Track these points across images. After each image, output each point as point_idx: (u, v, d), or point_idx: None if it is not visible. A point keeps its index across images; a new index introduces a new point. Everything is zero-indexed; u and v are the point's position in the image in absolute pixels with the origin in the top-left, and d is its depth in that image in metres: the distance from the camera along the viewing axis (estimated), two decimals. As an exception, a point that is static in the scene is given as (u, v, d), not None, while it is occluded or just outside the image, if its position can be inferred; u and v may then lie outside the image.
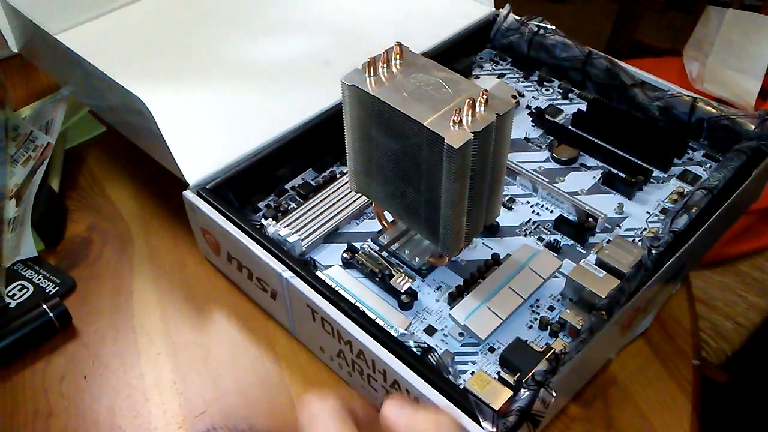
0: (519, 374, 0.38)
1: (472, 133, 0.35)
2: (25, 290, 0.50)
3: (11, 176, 0.56)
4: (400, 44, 0.39)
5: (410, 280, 0.42)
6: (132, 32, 0.60)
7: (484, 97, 0.35)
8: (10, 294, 0.49)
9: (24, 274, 0.51)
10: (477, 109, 0.35)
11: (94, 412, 0.43)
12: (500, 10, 0.61)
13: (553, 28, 0.57)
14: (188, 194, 0.45)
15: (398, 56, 0.39)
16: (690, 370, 0.44)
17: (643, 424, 0.42)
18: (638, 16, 1.11)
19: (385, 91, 0.37)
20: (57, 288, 0.50)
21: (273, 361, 0.45)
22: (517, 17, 0.59)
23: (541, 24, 0.58)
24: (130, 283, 0.50)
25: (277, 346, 0.46)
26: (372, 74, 0.38)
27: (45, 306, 0.46)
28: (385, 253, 0.45)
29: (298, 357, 0.45)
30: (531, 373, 0.36)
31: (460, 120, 0.35)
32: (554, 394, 0.34)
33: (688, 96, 0.51)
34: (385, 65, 0.38)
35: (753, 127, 0.49)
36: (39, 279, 0.50)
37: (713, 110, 0.50)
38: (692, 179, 0.50)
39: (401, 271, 0.43)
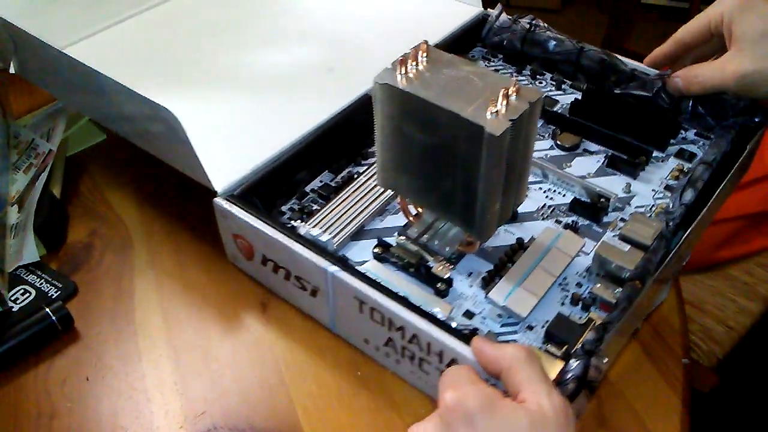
0: (566, 346, 0.40)
1: (509, 120, 0.37)
2: (28, 294, 0.50)
3: (13, 183, 0.57)
4: (426, 43, 0.41)
5: (451, 267, 0.44)
6: (136, 45, 0.60)
7: (516, 86, 0.38)
8: (12, 298, 0.50)
9: (26, 278, 0.51)
10: (510, 99, 0.38)
11: (97, 413, 0.43)
12: (490, 10, 0.63)
13: (545, 25, 0.60)
14: (220, 201, 0.46)
15: (425, 54, 0.41)
16: (680, 369, 0.46)
17: (634, 422, 0.43)
18: (629, 26, 1.14)
19: (418, 87, 0.39)
20: (59, 292, 0.50)
21: (272, 361, 0.46)
22: (509, 16, 0.62)
23: (532, 22, 0.60)
24: (131, 286, 0.51)
25: (276, 348, 0.47)
26: (403, 72, 0.40)
27: (47, 309, 0.47)
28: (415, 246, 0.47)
29: (297, 359, 0.46)
30: (578, 344, 0.39)
31: (498, 109, 0.37)
32: (605, 361, 0.37)
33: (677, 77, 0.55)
34: (414, 63, 0.40)
35: (739, 105, 0.53)
36: (41, 283, 0.51)
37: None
38: (689, 156, 0.54)
39: (440, 259, 0.44)
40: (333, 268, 0.42)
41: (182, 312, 0.49)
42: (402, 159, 0.42)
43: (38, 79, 0.58)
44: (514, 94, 0.38)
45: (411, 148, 0.41)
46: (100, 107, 0.52)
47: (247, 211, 0.45)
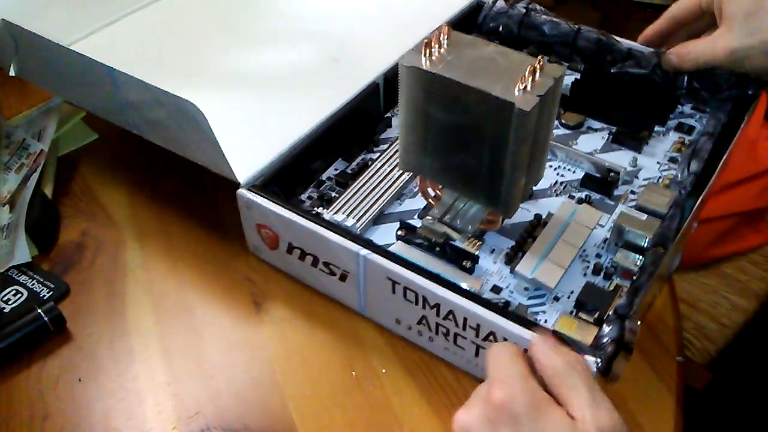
0: (598, 313, 0.41)
1: (537, 96, 0.38)
2: (20, 295, 0.50)
3: (4, 183, 0.57)
4: (448, 25, 0.42)
5: (479, 243, 0.45)
6: (140, 42, 0.60)
7: (540, 63, 0.39)
8: (4, 299, 0.49)
9: (18, 279, 0.51)
10: (535, 75, 0.39)
11: (89, 414, 0.43)
12: (485, -4, 0.65)
13: (542, 8, 0.62)
14: (244, 192, 0.46)
15: (447, 36, 0.42)
16: (674, 367, 0.46)
17: (629, 420, 0.42)
18: (623, 24, 1.15)
19: (444, 68, 0.40)
20: (51, 293, 0.50)
21: (266, 361, 0.46)
22: (505, 1, 0.63)
23: (529, 6, 0.62)
24: (124, 287, 0.50)
25: (270, 348, 0.46)
26: (428, 55, 0.41)
27: (39, 310, 0.47)
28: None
29: (290, 359, 0.46)
30: (610, 310, 0.40)
31: (525, 86, 0.38)
32: (639, 323, 0.38)
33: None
34: (437, 46, 0.41)
35: (732, 79, 0.55)
36: (33, 284, 0.51)
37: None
38: (688, 129, 0.56)
39: (467, 236, 0.45)
40: (364, 251, 0.43)
41: (175, 312, 0.49)
42: (426, 141, 0.43)
43: (40, 79, 0.57)
44: (539, 70, 0.39)
45: (436, 129, 0.42)
46: (111, 104, 0.51)
47: (271, 200, 0.46)
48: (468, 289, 0.42)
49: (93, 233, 0.54)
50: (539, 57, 0.39)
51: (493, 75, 0.39)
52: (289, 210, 0.45)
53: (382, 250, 0.43)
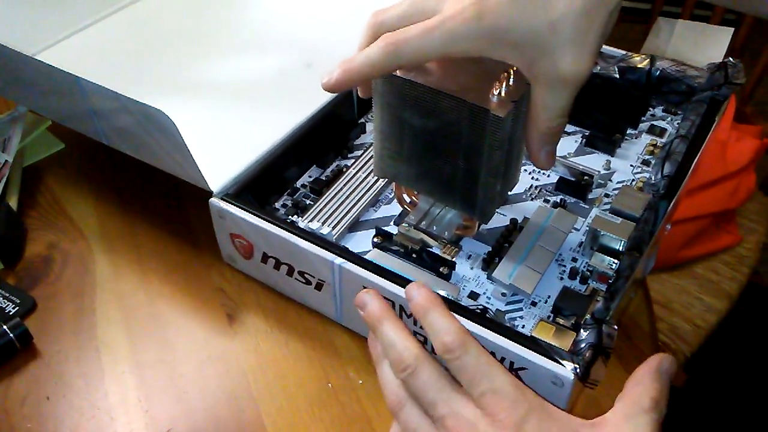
0: (575, 318, 0.41)
1: (512, 101, 0.38)
2: None
3: None
4: (421, 30, 0.41)
5: (456, 249, 0.45)
6: (106, 51, 0.58)
7: (514, 68, 0.39)
8: None
9: None
10: (510, 80, 0.39)
11: None
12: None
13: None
14: (216, 201, 0.46)
15: (420, 42, 0.41)
16: None
17: None
18: None
19: (418, 74, 0.39)
20: (17, 308, 0.48)
21: (240, 375, 0.45)
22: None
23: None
24: (93, 301, 0.49)
25: (244, 361, 0.45)
26: (401, 60, 0.40)
27: (5, 326, 0.45)
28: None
29: (265, 372, 0.45)
30: (588, 314, 0.40)
31: (500, 91, 0.38)
32: (616, 328, 0.38)
33: (645, 55, 0.57)
34: (410, 51, 0.41)
35: (703, 80, 0.55)
36: None
37: (670, 62, 0.56)
38: (660, 132, 0.56)
39: (446, 243, 0.45)
40: (339, 260, 0.42)
41: (146, 326, 0.47)
42: (401, 147, 0.43)
43: (3, 88, 0.56)
44: (513, 75, 0.39)
45: (411, 135, 0.42)
46: (77, 113, 0.50)
47: (245, 209, 0.45)
48: (446, 296, 0.41)
49: (60, 246, 0.53)
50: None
51: (466, 80, 0.39)
52: (263, 219, 0.44)
53: (358, 258, 0.42)
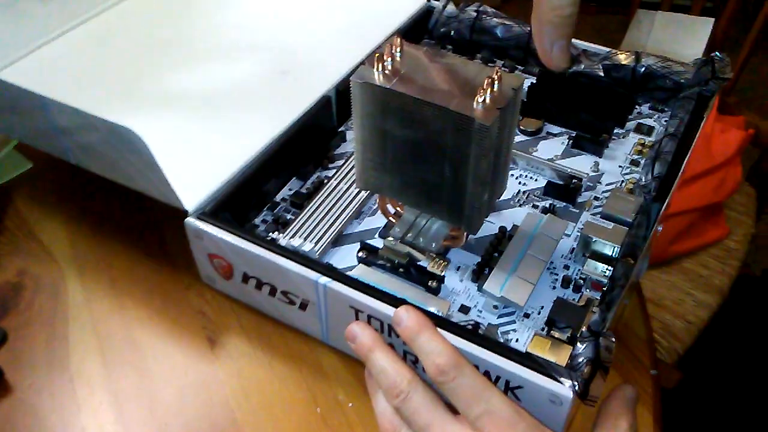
0: (571, 330, 0.40)
1: (497, 108, 0.36)
2: None
3: None
4: (400, 36, 0.39)
5: (445, 263, 0.43)
6: (71, 65, 0.56)
7: (498, 73, 0.37)
8: None
9: None
10: (495, 87, 0.37)
11: None
12: (434, 1, 0.63)
13: (493, 10, 0.60)
14: (191, 221, 0.44)
15: (399, 48, 0.39)
16: (649, 381, 0.45)
17: None
18: None
19: (399, 83, 0.38)
20: None
21: (223, 402, 0.43)
22: (455, 6, 0.62)
23: (479, 9, 0.60)
24: (66, 329, 0.47)
25: (227, 387, 0.44)
26: (380, 69, 0.38)
27: None
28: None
29: (249, 398, 0.43)
30: (584, 326, 0.39)
31: (484, 98, 0.36)
32: (614, 340, 0.37)
33: (630, 52, 0.56)
34: (389, 59, 0.39)
35: (689, 76, 0.54)
36: None
37: (656, 58, 0.55)
38: (647, 130, 0.55)
39: (432, 256, 0.43)
40: (324, 279, 0.40)
41: (122, 354, 0.45)
42: (384, 158, 0.41)
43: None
44: (497, 81, 0.37)
45: (393, 145, 0.40)
46: (44, 133, 0.48)
47: (223, 228, 0.43)
48: (435, 312, 0.40)
49: (31, 272, 0.50)
50: (496, 68, 0.37)
51: (450, 88, 0.38)
52: (242, 238, 0.42)
53: (343, 277, 0.41)
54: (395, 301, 0.39)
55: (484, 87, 0.37)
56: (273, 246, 0.42)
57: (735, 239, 0.91)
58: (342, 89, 0.54)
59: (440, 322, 0.38)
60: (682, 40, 0.88)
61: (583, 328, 0.39)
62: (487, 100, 0.36)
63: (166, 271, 0.50)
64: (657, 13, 0.90)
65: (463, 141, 0.37)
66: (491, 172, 0.39)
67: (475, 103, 0.36)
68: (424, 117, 0.37)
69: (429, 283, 0.43)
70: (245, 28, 0.62)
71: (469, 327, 0.40)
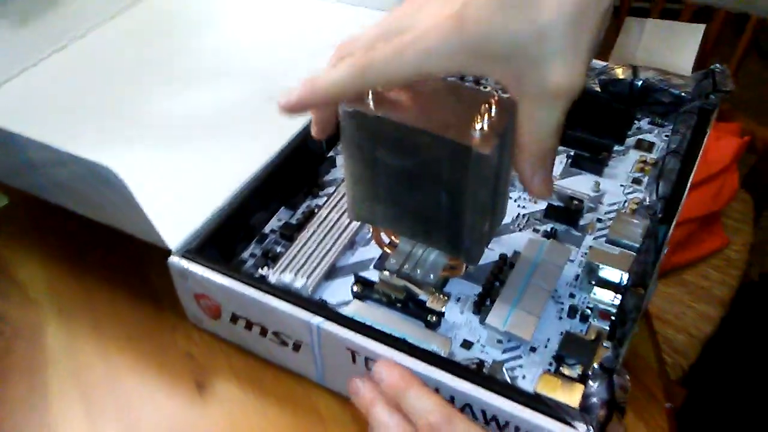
0: (582, 367, 0.37)
1: (496, 135, 0.34)
2: None
3: None
4: (390, 61, 0.37)
5: (445, 298, 0.41)
6: (43, 97, 0.53)
7: (495, 97, 0.35)
8: None
9: None
10: (492, 112, 0.35)
11: None
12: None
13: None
14: (175, 260, 0.41)
15: (389, 73, 0.37)
16: (664, 416, 0.42)
17: None
18: None
19: (390, 110, 0.35)
20: None
21: None
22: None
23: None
24: (46, 377, 0.44)
25: None
26: (371, 96, 0.36)
27: None
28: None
29: None
30: (596, 362, 0.36)
31: (482, 125, 0.34)
32: (629, 378, 0.34)
33: (627, 66, 0.54)
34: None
35: (689, 89, 0.52)
36: None
37: (654, 71, 0.53)
38: (648, 146, 0.53)
39: (431, 290, 0.41)
40: (317, 320, 0.38)
41: (106, 402, 0.43)
42: (376, 188, 0.39)
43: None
44: (495, 105, 0.35)
45: (386, 175, 0.38)
46: (18, 170, 0.45)
47: (208, 267, 0.41)
48: (437, 352, 0.38)
49: (8, 316, 0.47)
50: (492, 91, 0.35)
51: (444, 114, 0.35)
52: (229, 277, 0.40)
53: (337, 316, 0.38)
54: (394, 342, 0.37)
55: (481, 112, 0.34)
56: (262, 284, 0.40)
57: (734, 248, 0.89)
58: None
59: (442, 363, 0.36)
60: (674, 47, 0.86)
61: (595, 364, 0.36)
62: (485, 127, 0.34)
63: (151, 311, 0.47)
64: (647, 20, 0.88)
65: (461, 170, 0.35)
66: (491, 201, 0.37)
67: (472, 131, 0.34)
68: (419, 146, 0.35)
69: (428, 318, 0.41)
70: (228, 53, 0.60)
71: (473, 366, 0.38)
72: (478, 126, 0.34)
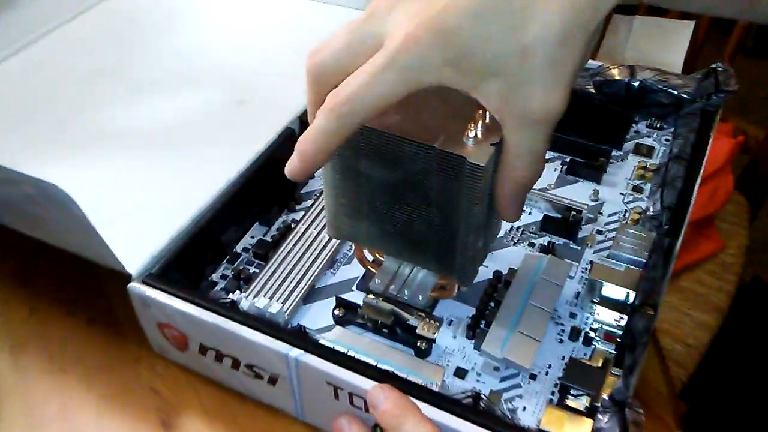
0: (589, 398, 0.34)
1: (491, 144, 0.31)
2: None
3: None
4: (371, 62, 0.34)
5: (437, 324, 0.37)
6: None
7: (489, 102, 0.31)
8: None
9: None
10: (486, 118, 0.31)
11: None
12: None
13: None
14: (137, 287, 0.37)
15: (371, 76, 0.34)
16: None
17: None
18: None
19: (374, 119, 0.32)
20: None
21: None
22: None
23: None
24: None
25: None
26: (350, 101, 0.32)
27: None
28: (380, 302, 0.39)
29: None
30: (604, 393, 0.33)
31: (475, 133, 0.31)
32: (641, 411, 0.31)
33: (623, 66, 0.51)
34: (360, 89, 0.33)
35: (689, 89, 0.49)
36: None
37: (652, 71, 0.50)
38: (647, 151, 0.50)
39: (421, 315, 0.37)
40: (295, 352, 0.34)
41: None
42: (359, 203, 0.35)
43: None
44: (488, 111, 0.31)
45: (370, 189, 0.34)
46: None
47: (173, 294, 0.37)
48: (429, 385, 0.34)
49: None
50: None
51: (433, 121, 0.32)
52: (195, 304, 0.36)
53: (317, 347, 0.34)
54: (380, 375, 0.33)
55: (475, 119, 0.31)
56: (233, 312, 0.36)
57: (730, 252, 0.86)
58: (306, 120, 0.48)
59: (435, 398, 0.32)
60: (663, 45, 0.83)
61: (604, 395, 0.33)
62: (479, 135, 0.31)
63: (112, 342, 0.43)
64: (635, 18, 0.85)
65: (453, 184, 0.31)
66: (486, 217, 0.33)
67: (465, 139, 0.31)
68: (405, 157, 0.32)
69: (418, 344, 0.37)
70: (194, 56, 0.56)
71: (469, 399, 0.34)
72: (471, 134, 0.31)
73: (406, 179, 0.33)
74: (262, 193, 0.45)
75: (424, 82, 0.29)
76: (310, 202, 0.46)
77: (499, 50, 0.28)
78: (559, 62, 0.28)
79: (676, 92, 0.49)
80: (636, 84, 0.50)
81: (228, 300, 0.39)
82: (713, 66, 0.49)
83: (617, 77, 0.50)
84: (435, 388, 0.35)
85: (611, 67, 0.51)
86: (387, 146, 0.32)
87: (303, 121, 0.48)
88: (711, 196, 0.83)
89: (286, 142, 0.47)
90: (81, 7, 0.61)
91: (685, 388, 0.73)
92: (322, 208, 0.44)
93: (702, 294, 0.80)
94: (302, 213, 0.45)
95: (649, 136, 0.51)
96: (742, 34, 0.94)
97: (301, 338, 0.35)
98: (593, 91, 0.51)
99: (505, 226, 0.45)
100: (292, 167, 0.32)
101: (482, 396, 0.35)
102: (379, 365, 0.35)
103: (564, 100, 0.29)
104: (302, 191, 0.47)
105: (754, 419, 0.80)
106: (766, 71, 1.63)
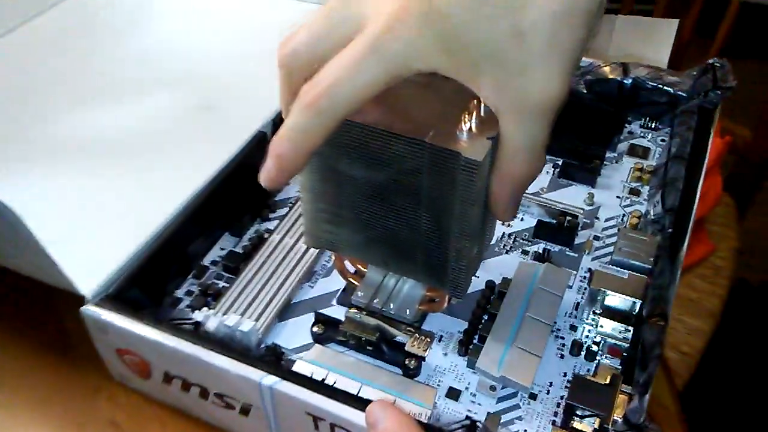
0: (599, 419, 0.31)
1: (487, 138, 0.27)
2: None
3: None
4: (351, 51, 0.30)
5: (428, 340, 0.33)
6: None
7: (483, 93, 0.28)
8: None
9: None
10: (482, 109, 0.28)
11: None
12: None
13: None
14: (90, 310, 0.33)
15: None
16: None
17: None
18: None
19: (356, 112, 0.28)
20: None
21: None
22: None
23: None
24: None
25: None
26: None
27: None
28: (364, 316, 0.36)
29: None
30: (615, 414, 0.30)
31: (470, 126, 0.27)
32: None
33: (615, 63, 0.48)
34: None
35: (685, 87, 0.47)
36: None
37: (646, 69, 0.48)
38: (643, 152, 0.47)
39: (409, 330, 0.34)
40: (269, 379, 0.30)
41: None
42: (339, 208, 0.32)
43: None
44: (483, 103, 0.28)
45: (351, 192, 0.31)
46: None
47: (130, 318, 0.33)
48: (417, 416, 0.30)
49: None
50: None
51: (423, 113, 0.29)
52: (156, 328, 0.32)
53: (293, 374, 0.31)
54: (362, 405, 0.29)
55: (469, 110, 0.28)
56: (198, 336, 0.32)
57: (720, 255, 0.84)
58: (280, 122, 0.44)
59: (425, 428, 0.29)
60: (647, 44, 0.81)
61: (615, 416, 0.30)
62: (473, 128, 0.28)
63: (68, 370, 0.38)
64: (617, 17, 0.84)
65: (446, 183, 0.28)
66: (481, 220, 0.30)
67: (459, 132, 0.27)
68: (392, 154, 0.28)
69: (406, 362, 0.34)
70: (155, 59, 0.52)
71: (464, 428, 0.31)
72: (465, 127, 0.28)
73: (392, 179, 0.29)
74: (233, 200, 0.41)
75: (411, 69, 0.26)
76: (285, 210, 0.43)
77: (493, 32, 0.25)
78: (559, 45, 0.25)
79: (671, 90, 0.47)
80: (629, 82, 0.48)
81: (193, 321, 0.35)
82: (711, 61, 0.46)
83: (609, 75, 0.48)
84: (425, 416, 0.31)
85: (603, 64, 0.48)
86: (371, 143, 0.28)
87: (276, 124, 0.44)
88: (702, 197, 0.81)
89: (258, 145, 0.43)
90: (39, 7, 0.57)
91: (681, 396, 0.70)
92: (299, 216, 0.41)
93: (695, 300, 0.78)
94: (276, 222, 0.42)
95: (643, 137, 0.48)
96: (726, 34, 0.93)
97: (276, 364, 0.32)
98: (585, 90, 0.49)
99: (497, 232, 0.42)
100: (267, 174, 0.28)
101: (478, 424, 0.32)
102: (363, 387, 0.31)
103: (565, 86, 0.26)
104: (276, 198, 0.44)
105: (752, 428, 0.78)
106: (748, 71, 1.63)
